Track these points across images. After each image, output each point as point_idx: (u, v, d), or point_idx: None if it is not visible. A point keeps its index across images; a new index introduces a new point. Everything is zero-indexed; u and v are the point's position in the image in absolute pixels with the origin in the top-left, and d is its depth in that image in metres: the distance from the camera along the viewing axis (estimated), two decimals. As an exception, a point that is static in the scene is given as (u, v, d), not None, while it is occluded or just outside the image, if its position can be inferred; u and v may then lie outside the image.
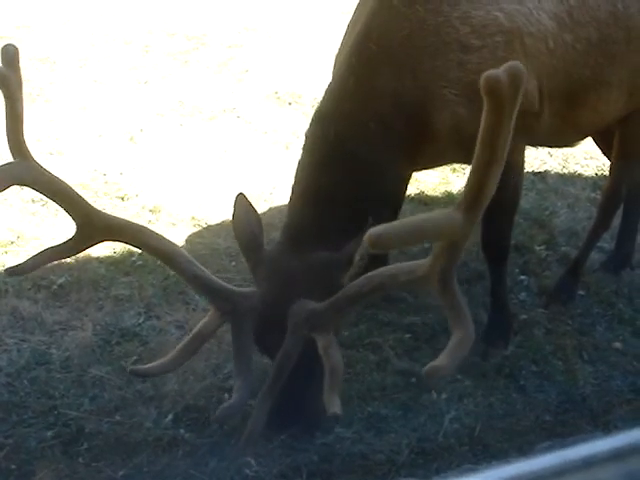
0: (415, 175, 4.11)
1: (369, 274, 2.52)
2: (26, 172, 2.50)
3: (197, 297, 3.31)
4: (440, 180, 4.83)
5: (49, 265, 3.82)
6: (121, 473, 2.81)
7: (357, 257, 2.75)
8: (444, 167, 4.58)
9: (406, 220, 2.35)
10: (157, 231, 2.76)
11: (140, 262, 3.86)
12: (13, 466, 2.81)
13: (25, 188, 2.60)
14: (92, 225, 2.59)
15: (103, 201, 4.31)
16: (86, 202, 2.60)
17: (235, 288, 2.78)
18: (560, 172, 5.11)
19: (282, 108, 5.62)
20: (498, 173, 2.07)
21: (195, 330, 2.75)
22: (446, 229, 2.17)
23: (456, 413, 3.15)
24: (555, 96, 3.18)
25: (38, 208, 4.21)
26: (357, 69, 3.02)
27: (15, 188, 2.67)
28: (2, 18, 6.22)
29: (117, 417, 3.02)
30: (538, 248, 4.26)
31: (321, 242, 2.84)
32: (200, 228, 4.22)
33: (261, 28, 7.03)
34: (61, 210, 4.14)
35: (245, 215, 2.89)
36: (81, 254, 3.86)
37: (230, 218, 2.94)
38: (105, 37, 6.63)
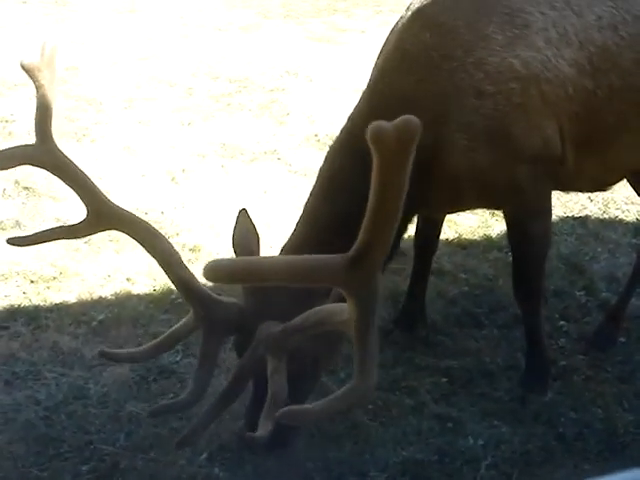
0: (453, 218, 4.10)
1: (315, 308, 2.45)
2: (42, 154, 2.59)
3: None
4: (479, 224, 4.81)
5: (90, 301, 3.91)
6: (155, 510, 2.82)
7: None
8: (483, 211, 4.57)
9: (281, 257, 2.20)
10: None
11: (179, 300, 3.88)
12: (48, 500, 2.84)
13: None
14: (102, 213, 2.67)
15: (144, 239, 4.36)
16: (99, 191, 2.68)
17: (217, 297, 2.78)
18: (600, 217, 5.06)
19: (322, 151, 5.56)
20: (391, 226, 1.91)
21: (171, 329, 2.82)
22: (323, 271, 1.95)
23: (493, 459, 3.11)
24: (579, 142, 3.15)
25: (80, 245, 4.28)
26: (367, 109, 3.05)
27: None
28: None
29: (152, 454, 3.04)
30: (578, 294, 4.22)
31: None
32: (239, 267, 4.25)
33: (302, 72, 7.13)
34: (104, 247, 4.28)
35: (245, 232, 2.96)
36: (121, 291, 3.98)
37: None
38: (150, 79, 6.78)
